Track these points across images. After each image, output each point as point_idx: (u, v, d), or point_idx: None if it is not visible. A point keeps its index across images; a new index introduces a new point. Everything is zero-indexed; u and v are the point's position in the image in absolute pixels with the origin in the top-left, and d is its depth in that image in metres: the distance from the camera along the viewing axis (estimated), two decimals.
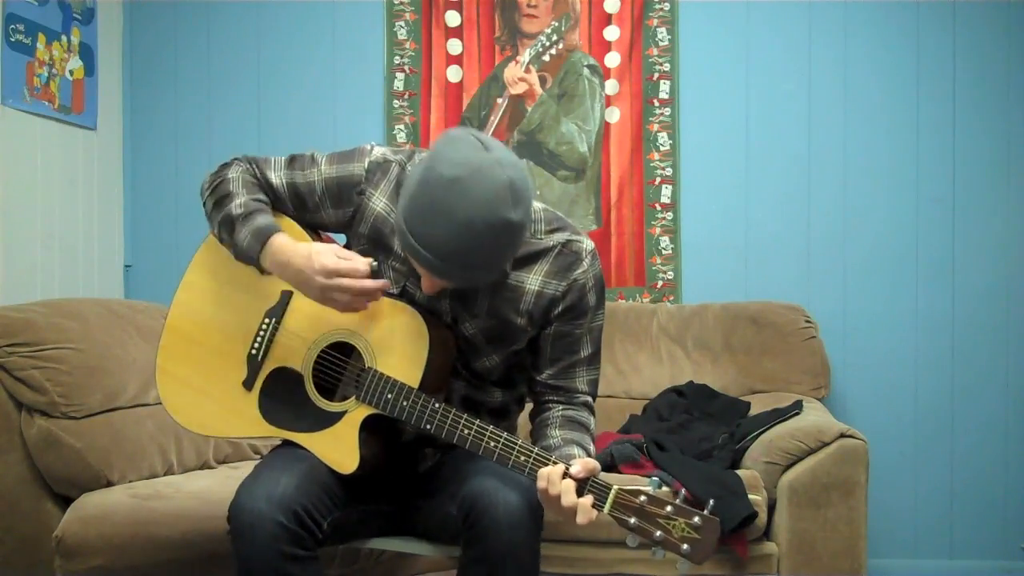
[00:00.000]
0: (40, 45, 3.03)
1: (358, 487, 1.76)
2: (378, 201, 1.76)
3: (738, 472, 2.57)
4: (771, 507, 2.56)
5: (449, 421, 1.65)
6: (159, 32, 3.56)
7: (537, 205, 1.77)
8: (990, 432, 3.28)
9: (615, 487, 1.53)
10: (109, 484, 2.40)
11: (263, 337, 1.79)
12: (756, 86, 3.39)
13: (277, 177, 1.81)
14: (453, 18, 3.47)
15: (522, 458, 1.60)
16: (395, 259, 1.76)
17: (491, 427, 1.64)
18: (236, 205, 1.74)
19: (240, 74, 3.53)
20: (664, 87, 3.42)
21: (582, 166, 3.43)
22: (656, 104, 3.42)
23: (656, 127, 3.42)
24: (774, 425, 2.69)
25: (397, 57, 3.48)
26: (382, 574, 2.35)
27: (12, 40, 2.90)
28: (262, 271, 1.76)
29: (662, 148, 3.41)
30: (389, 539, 1.87)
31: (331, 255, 1.67)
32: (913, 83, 3.33)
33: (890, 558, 3.27)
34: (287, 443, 1.76)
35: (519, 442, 1.62)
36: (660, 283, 3.42)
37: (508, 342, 1.78)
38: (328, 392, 1.76)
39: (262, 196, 1.79)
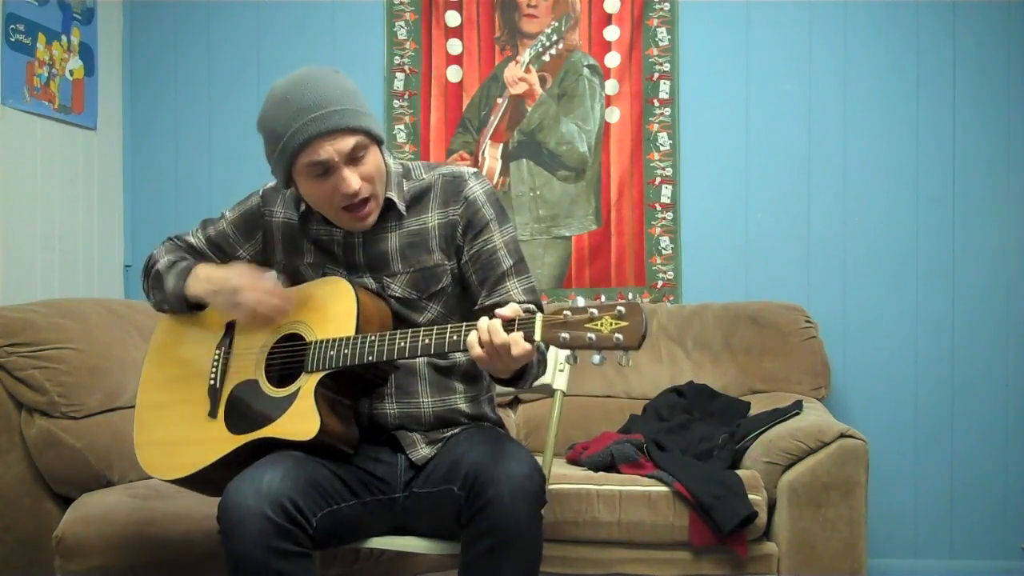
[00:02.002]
0: (40, 45, 3.03)
1: (350, 480, 1.78)
2: (279, 214, 1.93)
3: (738, 472, 2.57)
4: (771, 507, 2.56)
5: (387, 342, 1.71)
6: (159, 32, 3.56)
7: (412, 161, 1.95)
8: (990, 432, 3.28)
9: (539, 315, 1.59)
10: (109, 484, 2.40)
11: (217, 367, 1.87)
12: (756, 86, 3.39)
13: (195, 239, 2.01)
14: (453, 18, 3.47)
15: (455, 336, 1.66)
16: (308, 255, 1.91)
17: (423, 328, 1.70)
18: (161, 264, 1.95)
19: (240, 74, 3.53)
20: (664, 87, 3.42)
21: (582, 166, 3.43)
22: (656, 104, 3.42)
23: (656, 127, 3.42)
24: (774, 425, 2.69)
25: (397, 57, 3.48)
26: (382, 574, 2.35)
27: (12, 40, 2.90)
28: (191, 306, 1.92)
29: (662, 148, 3.42)
30: (389, 539, 1.86)
31: (243, 272, 1.85)
32: (913, 83, 3.33)
33: (890, 558, 3.27)
34: (270, 451, 1.76)
35: (449, 326, 1.67)
36: (660, 283, 3.42)
37: (433, 283, 1.87)
38: (291, 381, 1.80)
39: (184, 255, 1.99)
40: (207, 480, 1.85)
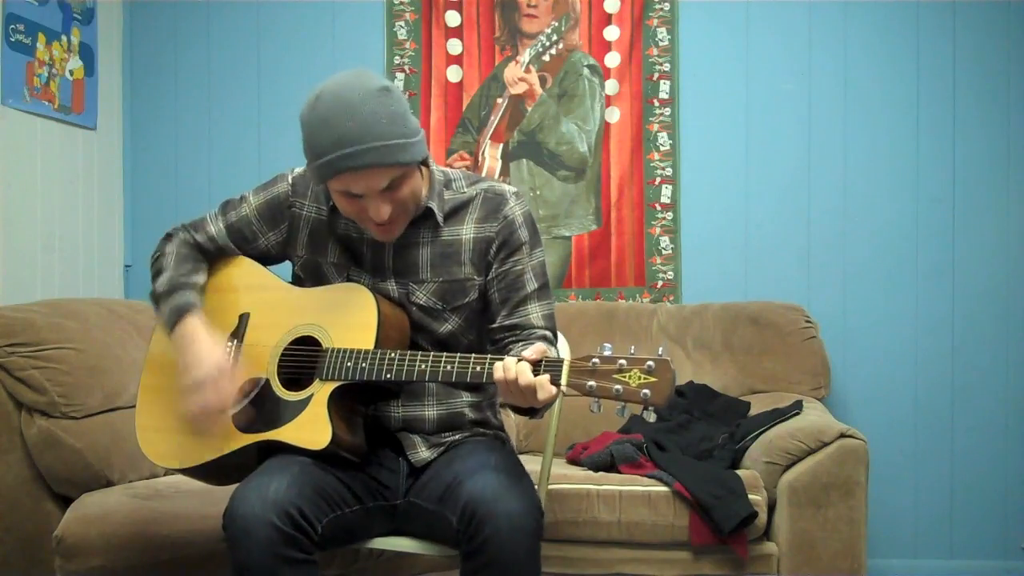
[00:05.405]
0: (40, 45, 3.03)
1: (355, 486, 1.77)
2: (309, 208, 1.88)
3: (738, 472, 2.58)
4: (771, 507, 2.56)
5: (406, 362, 1.70)
6: (159, 32, 3.56)
7: (454, 170, 1.92)
8: (990, 432, 3.28)
9: (566, 359, 1.57)
10: (109, 484, 2.40)
11: (228, 359, 1.83)
12: (756, 86, 3.39)
13: (215, 227, 1.93)
14: (453, 18, 3.47)
15: (478, 368, 1.65)
16: (332, 254, 1.88)
17: (445, 354, 1.69)
18: (161, 283, 1.88)
19: (240, 74, 3.53)
20: (664, 87, 3.42)
21: (582, 166, 3.43)
22: (656, 104, 3.42)
23: (656, 127, 3.42)
24: (774, 425, 2.70)
25: (397, 57, 3.48)
26: (382, 574, 2.35)
27: (12, 40, 2.90)
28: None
29: (662, 148, 3.42)
30: (389, 539, 1.87)
31: (213, 368, 1.74)
32: (913, 83, 3.33)
33: (890, 558, 3.27)
34: (276, 451, 1.76)
35: (473, 356, 1.66)
36: (660, 283, 3.42)
37: (460, 296, 1.85)
38: (303, 385, 1.79)
39: (191, 265, 1.90)
40: (207, 472, 1.85)
